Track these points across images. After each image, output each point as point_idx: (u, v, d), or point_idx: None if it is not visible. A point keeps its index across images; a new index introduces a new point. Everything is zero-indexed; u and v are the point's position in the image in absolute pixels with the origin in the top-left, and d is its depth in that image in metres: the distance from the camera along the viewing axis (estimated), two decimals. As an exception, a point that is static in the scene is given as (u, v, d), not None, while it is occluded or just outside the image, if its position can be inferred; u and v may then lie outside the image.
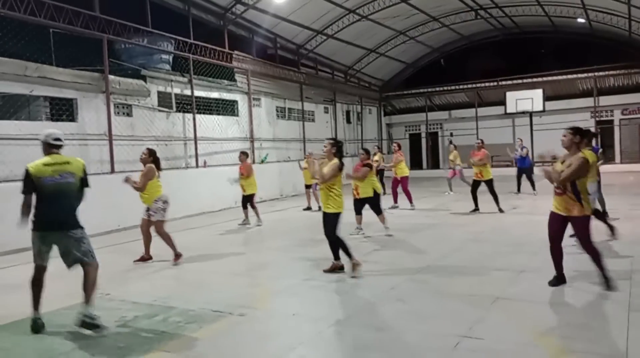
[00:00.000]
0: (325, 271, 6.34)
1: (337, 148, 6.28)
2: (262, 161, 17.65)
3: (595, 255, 5.21)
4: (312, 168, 6.12)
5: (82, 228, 4.72)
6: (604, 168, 9.24)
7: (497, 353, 3.79)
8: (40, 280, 4.71)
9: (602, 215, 7.89)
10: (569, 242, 5.81)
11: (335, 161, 6.21)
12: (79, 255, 4.63)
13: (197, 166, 14.45)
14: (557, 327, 4.30)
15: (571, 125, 5.46)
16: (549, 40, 25.06)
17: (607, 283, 5.16)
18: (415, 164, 27.54)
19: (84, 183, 4.77)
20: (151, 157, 7.50)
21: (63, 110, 11.63)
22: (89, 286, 4.64)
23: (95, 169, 11.82)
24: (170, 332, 4.53)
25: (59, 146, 4.75)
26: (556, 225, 5.32)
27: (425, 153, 28.31)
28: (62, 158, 4.69)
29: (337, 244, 6.24)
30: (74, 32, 11.60)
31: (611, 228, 7.67)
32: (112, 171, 11.56)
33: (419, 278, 6.03)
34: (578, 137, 5.23)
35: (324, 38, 21.68)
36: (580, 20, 22.23)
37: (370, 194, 8.80)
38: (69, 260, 4.65)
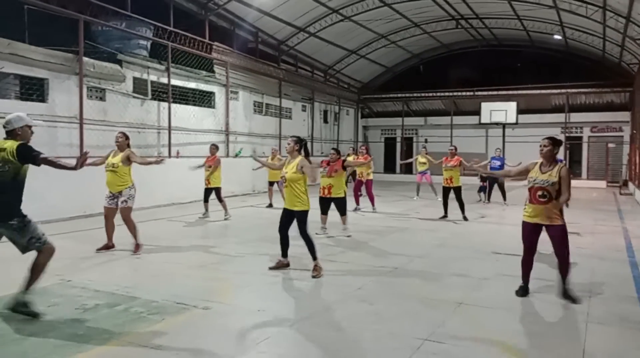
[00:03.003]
0: (272, 268, 6.37)
1: (300, 146, 6.32)
2: (236, 156, 17.52)
3: (568, 264, 5.26)
4: (313, 173, 6.19)
5: (21, 216, 4.49)
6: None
7: (457, 358, 3.84)
8: None
9: None
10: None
11: (301, 158, 6.22)
12: (23, 245, 4.51)
13: (169, 155, 14.24)
14: (516, 334, 4.38)
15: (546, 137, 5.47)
16: (525, 54, 25.59)
17: (569, 294, 5.24)
18: (389, 168, 27.78)
19: (23, 163, 4.46)
20: (128, 140, 7.40)
21: (33, 90, 11.30)
22: (32, 269, 4.52)
23: (64, 153, 11.52)
24: (132, 323, 4.45)
25: (11, 134, 4.56)
26: (534, 235, 5.33)
27: (399, 157, 28.56)
28: (1, 144, 4.50)
29: (309, 243, 6.23)
30: (49, 11, 11.29)
31: None
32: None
33: (386, 280, 6.08)
34: (556, 148, 5.31)
35: (306, 36, 21.66)
36: (557, 37, 22.77)
37: (342, 194, 8.90)
38: (19, 249, 4.56)
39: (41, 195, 8.00)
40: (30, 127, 4.68)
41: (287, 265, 6.47)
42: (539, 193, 5.16)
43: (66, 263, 6.60)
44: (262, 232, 9.29)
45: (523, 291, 5.43)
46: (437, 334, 4.27)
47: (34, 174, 4.77)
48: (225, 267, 6.79)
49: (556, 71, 24.66)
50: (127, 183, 7.28)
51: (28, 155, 4.48)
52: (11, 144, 4.47)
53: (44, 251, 4.57)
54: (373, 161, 12.89)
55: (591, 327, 4.52)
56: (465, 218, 11.18)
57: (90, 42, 13.18)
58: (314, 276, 6.10)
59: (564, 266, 5.27)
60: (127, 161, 7.26)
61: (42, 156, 4.50)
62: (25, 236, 4.48)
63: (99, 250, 7.34)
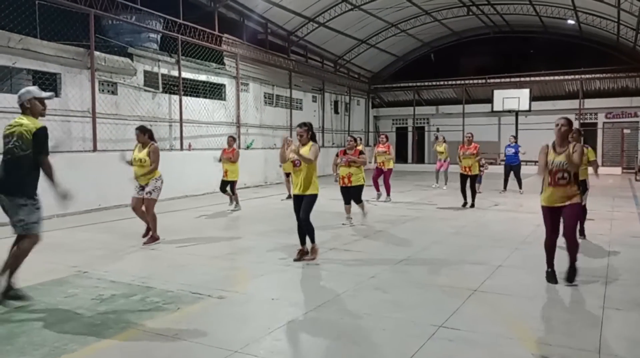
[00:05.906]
0: (297, 260, 6.29)
1: (312, 133, 6.40)
2: (248, 147, 17.54)
3: (576, 245, 5.23)
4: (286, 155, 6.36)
5: (28, 196, 4.48)
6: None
7: (473, 344, 3.82)
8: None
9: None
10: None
11: (312, 143, 6.30)
12: (12, 222, 4.52)
13: (182, 148, 14.30)
14: (532, 320, 4.34)
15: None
16: (538, 40, 25.22)
17: (573, 275, 5.22)
18: (401, 158, 27.65)
19: (34, 148, 4.48)
20: (146, 134, 7.43)
21: (46, 84, 11.36)
22: (12, 254, 4.53)
23: (78, 147, 11.63)
24: (148, 312, 4.48)
25: (22, 108, 4.61)
26: (555, 218, 5.25)
27: (411, 147, 28.41)
28: (18, 120, 4.55)
29: (310, 227, 6.27)
30: (60, 5, 11.34)
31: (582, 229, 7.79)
32: (95, 149, 11.39)
33: (400, 269, 6.06)
34: (571, 129, 5.30)
35: (315, 26, 21.54)
36: (570, 22, 22.41)
37: (362, 182, 8.93)
38: (10, 223, 4.57)
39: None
40: (39, 99, 4.67)
41: (307, 253, 6.43)
42: (559, 175, 5.13)
43: (82, 255, 6.68)
44: (276, 223, 9.32)
45: (552, 276, 5.32)
46: (452, 321, 4.25)
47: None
48: (240, 257, 6.82)
49: (570, 56, 24.27)
50: (153, 174, 7.37)
51: (38, 146, 4.48)
52: (31, 124, 4.50)
53: (31, 238, 4.53)
54: (390, 153, 12.50)
55: (609, 313, 4.47)
56: (472, 206, 11.17)
57: (101, 36, 13.23)
58: (311, 259, 6.24)
59: (571, 246, 5.19)
60: (150, 156, 7.33)
61: (46, 159, 4.49)
62: (20, 216, 4.46)
63: (146, 243, 7.33)
